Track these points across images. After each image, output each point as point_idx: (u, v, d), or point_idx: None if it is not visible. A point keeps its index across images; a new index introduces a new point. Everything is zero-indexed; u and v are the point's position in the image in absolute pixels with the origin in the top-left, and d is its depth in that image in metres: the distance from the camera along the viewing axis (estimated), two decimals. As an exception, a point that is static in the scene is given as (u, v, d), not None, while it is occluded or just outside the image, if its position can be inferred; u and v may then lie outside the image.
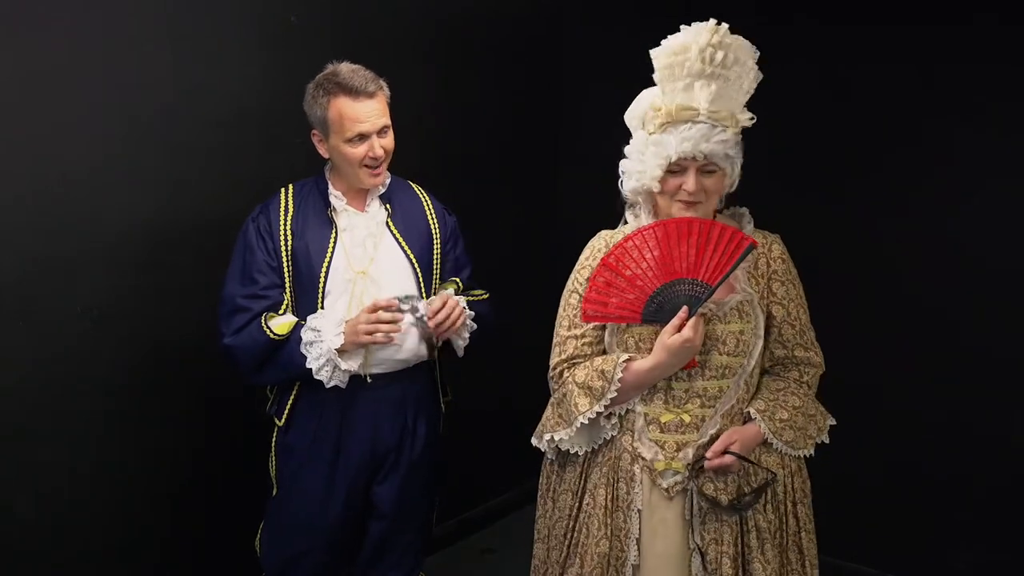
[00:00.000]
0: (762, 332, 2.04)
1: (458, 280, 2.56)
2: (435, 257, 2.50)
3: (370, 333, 2.25)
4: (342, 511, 2.43)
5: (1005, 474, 3.11)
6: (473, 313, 2.46)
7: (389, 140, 2.37)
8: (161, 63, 2.53)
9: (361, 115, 2.29)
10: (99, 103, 2.42)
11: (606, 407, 2.00)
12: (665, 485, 2.01)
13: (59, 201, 2.37)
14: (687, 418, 2.00)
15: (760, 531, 2.03)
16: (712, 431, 2.01)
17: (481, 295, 2.58)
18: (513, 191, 3.82)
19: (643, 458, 2.02)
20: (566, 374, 2.08)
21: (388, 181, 2.47)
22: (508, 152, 3.76)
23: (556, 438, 2.07)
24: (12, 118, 2.26)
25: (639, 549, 2.02)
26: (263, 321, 2.30)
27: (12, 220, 2.29)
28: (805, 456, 2.12)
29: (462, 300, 2.43)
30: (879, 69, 3.18)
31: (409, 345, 2.40)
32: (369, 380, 2.38)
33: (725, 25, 1.89)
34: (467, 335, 2.47)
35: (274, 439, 2.48)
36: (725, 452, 1.96)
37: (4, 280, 2.29)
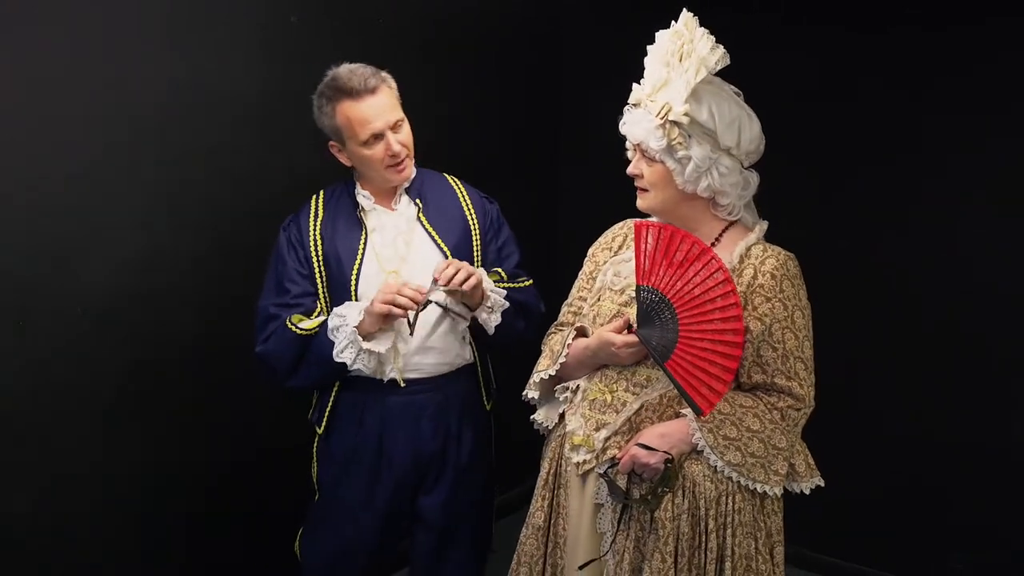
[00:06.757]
0: None
1: (500, 271, 2.45)
2: (475, 248, 2.42)
3: (386, 303, 2.17)
4: (383, 519, 2.38)
5: (1004, 475, 3.11)
6: (504, 292, 2.35)
7: (405, 133, 2.30)
8: (161, 63, 2.53)
9: (368, 115, 2.22)
10: (99, 103, 2.42)
11: (555, 372, 2.05)
12: (576, 459, 2.00)
13: (59, 201, 2.36)
14: (610, 398, 1.99)
15: (661, 530, 1.89)
16: (628, 415, 1.95)
17: (523, 282, 2.48)
18: (513, 190, 3.80)
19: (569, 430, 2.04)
20: (550, 337, 2.17)
21: (414, 174, 2.39)
22: (508, 151, 3.75)
23: (529, 395, 2.16)
24: (12, 118, 2.26)
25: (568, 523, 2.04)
26: (288, 321, 2.26)
27: (12, 220, 2.28)
28: (765, 492, 1.92)
29: (487, 279, 2.33)
30: (880, 72, 3.19)
31: (446, 347, 2.35)
32: (403, 384, 2.32)
33: (691, 17, 1.89)
34: (497, 312, 2.35)
35: (315, 445, 2.45)
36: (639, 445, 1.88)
37: (4, 280, 2.29)
